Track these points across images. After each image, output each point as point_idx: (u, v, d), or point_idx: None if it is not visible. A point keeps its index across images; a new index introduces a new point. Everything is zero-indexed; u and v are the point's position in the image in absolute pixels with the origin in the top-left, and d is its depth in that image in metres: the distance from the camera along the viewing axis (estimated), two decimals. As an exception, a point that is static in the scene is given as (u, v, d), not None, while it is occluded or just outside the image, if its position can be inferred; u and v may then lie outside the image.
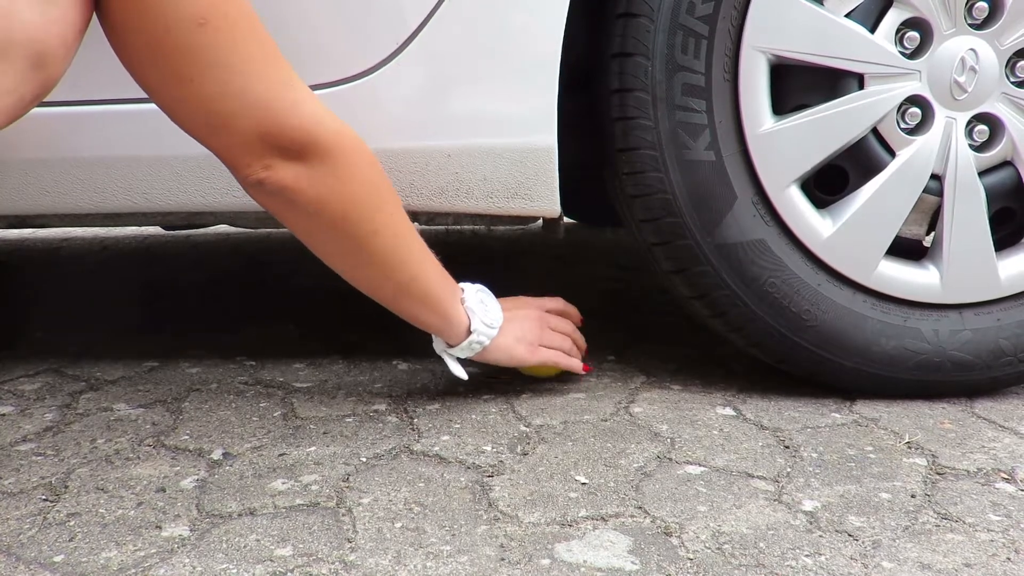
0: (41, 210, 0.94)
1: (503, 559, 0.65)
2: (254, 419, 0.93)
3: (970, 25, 0.88)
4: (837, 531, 0.70)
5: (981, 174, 0.92)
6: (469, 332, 0.89)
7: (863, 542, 0.68)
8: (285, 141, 0.72)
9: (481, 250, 1.94)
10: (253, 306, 1.48)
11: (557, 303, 1.01)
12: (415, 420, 0.92)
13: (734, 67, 0.88)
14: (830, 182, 0.94)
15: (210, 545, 0.68)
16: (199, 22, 0.65)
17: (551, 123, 0.89)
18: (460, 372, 0.92)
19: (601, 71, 0.92)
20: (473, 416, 0.93)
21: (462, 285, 0.91)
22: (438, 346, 0.93)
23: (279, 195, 0.75)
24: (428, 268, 0.86)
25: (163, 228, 1.64)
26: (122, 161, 0.91)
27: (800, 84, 0.90)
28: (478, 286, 0.92)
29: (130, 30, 0.65)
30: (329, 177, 0.75)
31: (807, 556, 0.66)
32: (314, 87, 0.87)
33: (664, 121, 0.88)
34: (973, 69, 0.89)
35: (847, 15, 0.88)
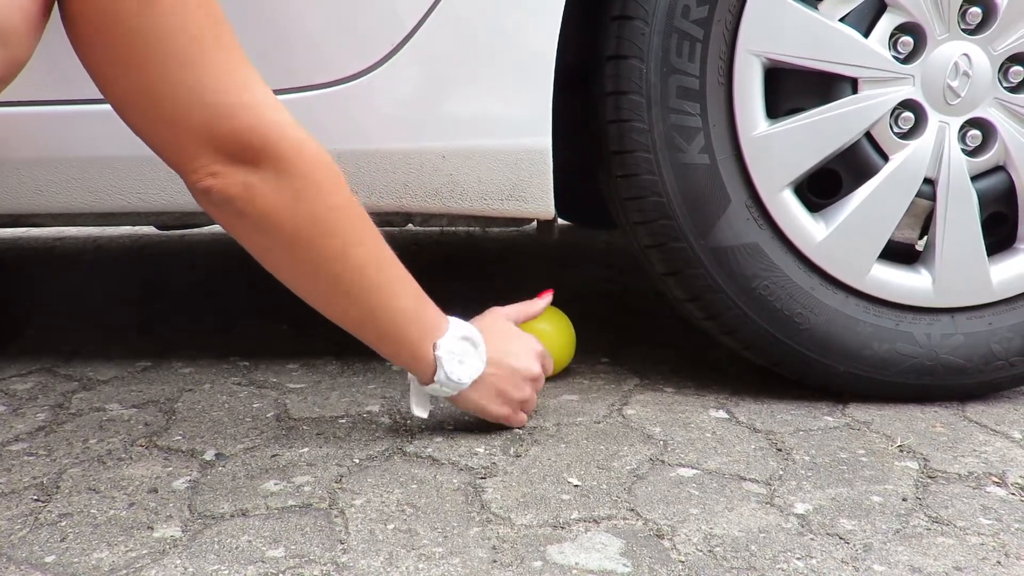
0: (35, 209, 0.94)
1: (495, 561, 0.65)
2: (247, 420, 0.93)
3: (963, 30, 0.89)
4: (828, 534, 0.70)
5: (974, 179, 0.93)
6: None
7: (854, 545, 0.68)
8: (237, 144, 0.66)
9: (475, 252, 1.94)
10: (247, 306, 1.47)
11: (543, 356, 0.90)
12: (408, 421, 0.92)
13: (728, 70, 0.88)
14: (824, 186, 0.95)
15: (202, 546, 0.67)
16: (149, 2, 0.61)
17: (546, 125, 0.89)
18: (419, 411, 0.86)
19: (596, 73, 0.92)
20: (466, 418, 0.93)
21: (452, 324, 0.82)
22: (409, 375, 0.85)
23: (226, 206, 0.69)
24: (398, 302, 0.78)
25: (157, 228, 1.63)
26: (116, 161, 0.91)
27: (794, 88, 0.91)
28: (467, 332, 0.82)
29: (82, 12, 0.62)
30: (284, 191, 0.69)
31: (798, 559, 0.66)
32: (310, 88, 0.88)
33: (658, 124, 0.88)
34: (966, 74, 0.89)
35: (841, 19, 0.88)
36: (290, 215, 0.70)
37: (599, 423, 0.92)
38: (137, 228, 2.27)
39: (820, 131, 0.89)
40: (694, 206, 0.90)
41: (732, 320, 0.94)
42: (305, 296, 0.77)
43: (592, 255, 1.92)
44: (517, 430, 0.90)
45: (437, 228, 2.15)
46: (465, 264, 1.79)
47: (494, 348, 0.84)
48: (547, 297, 0.99)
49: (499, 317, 0.90)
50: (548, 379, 1.04)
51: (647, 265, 0.96)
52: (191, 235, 2.19)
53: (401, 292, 0.78)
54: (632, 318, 1.38)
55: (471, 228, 2.18)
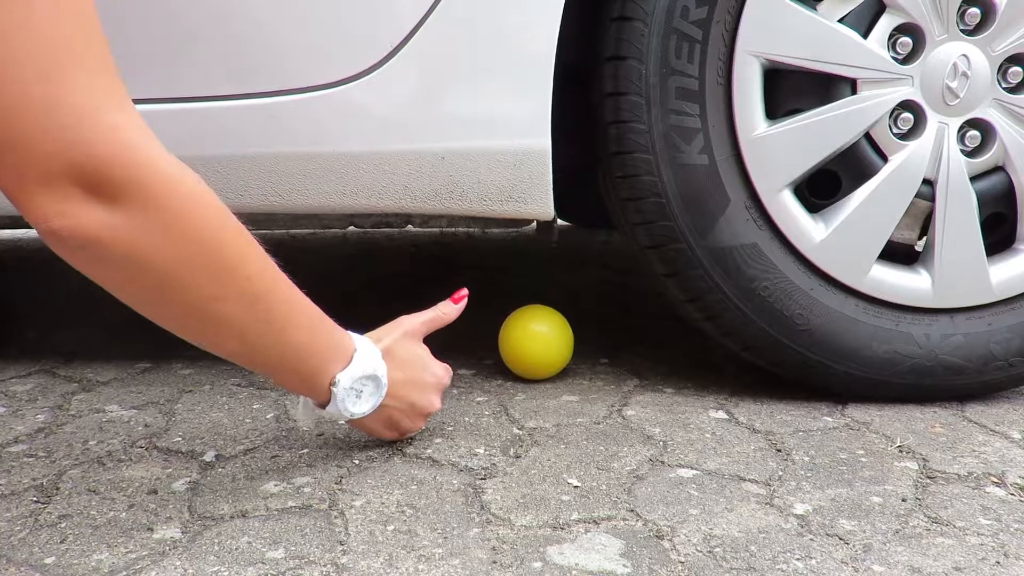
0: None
1: (495, 562, 0.65)
2: (247, 421, 0.93)
3: (962, 31, 0.89)
4: (828, 535, 0.70)
5: (973, 179, 0.93)
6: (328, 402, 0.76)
7: (854, 546, 0.69)
8: (97, 177, 0.55)
9: (475, 252, 1.94)
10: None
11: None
12: (408, 422, 0.92)
13: (727, 71, 0.88)
14: (823, 186, 0.95)
15: (202, 547, 0.67)
16: None
17: (545, 125, 0.89)
18: (304, 424, 0.83)
19: (595, 74, 0.92)
20: (466, 419, 0.93)
21: (359, 354, 0.74)
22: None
23: (83, 251, 0.57)
24: (292, 337, 0.70)
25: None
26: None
27: (793, 89, 0.91)
28: (371, 369, 0.75)
29: None
30: (154, 229, 0.58)
31: (798, 560, 0.66)
32: (310, 89, 0.88)
33: (657, 124, 0.88)
34: (965, 75, 0.89)
35: (840, 20, 0.88)
36: (162, 257, 0.59)
37: (599, 424, 0.92)
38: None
39: (819, 132, 0.89)
40: (693, 207, 0.90)
41: (731, 321, 0.94)
42: (183, 335, 0.68)
43: (592, 255, 1.92)
44: (516, 431, 0.90)
45: (436, 229, 2.15)
46: (464, 265, 1.79)
47: (397, 379, 0.79)
48: (462, 301, 0.88)
49: (410, 337, 0.83)
50: (547, 380, 1.05)
51: (647, 266, 0.96)
52: (191, 236, 2.18)
53: (296, 325, 0.70)
54: (632, 318, 1.38)
55: (471, 229, 2.18)
